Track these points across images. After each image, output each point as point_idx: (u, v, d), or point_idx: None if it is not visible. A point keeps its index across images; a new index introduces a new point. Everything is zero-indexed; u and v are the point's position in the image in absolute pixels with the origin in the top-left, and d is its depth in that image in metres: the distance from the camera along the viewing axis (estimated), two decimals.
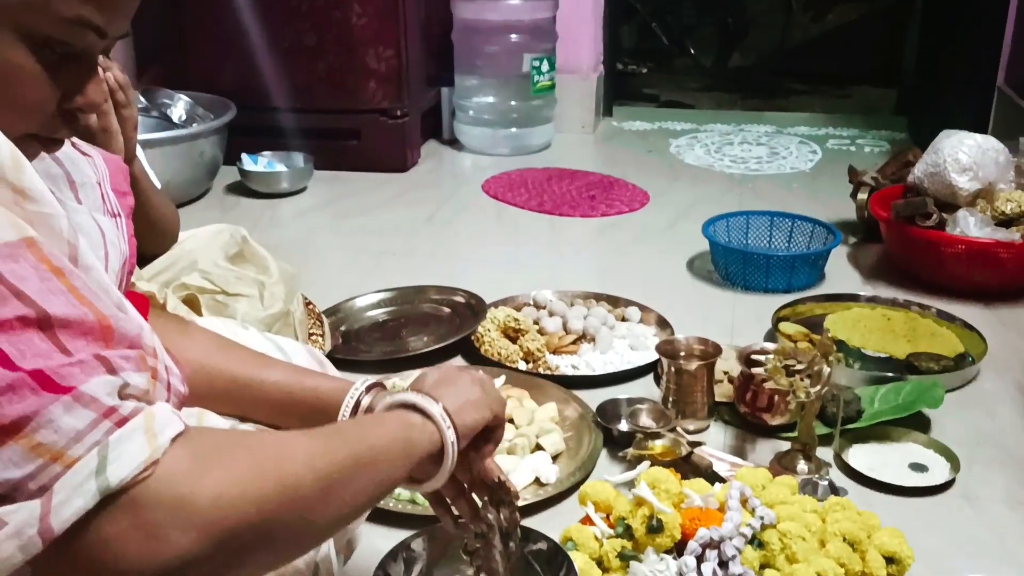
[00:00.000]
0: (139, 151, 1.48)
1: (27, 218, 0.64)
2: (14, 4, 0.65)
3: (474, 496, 1.05)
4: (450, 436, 0.86)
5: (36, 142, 0.73)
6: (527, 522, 1.23)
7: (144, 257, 1.51)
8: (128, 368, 0.63)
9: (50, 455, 0.58)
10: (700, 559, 1.11)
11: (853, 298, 2.01)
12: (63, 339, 0.60)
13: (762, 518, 1.16)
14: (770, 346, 1.55)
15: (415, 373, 1.66)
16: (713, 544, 1.12)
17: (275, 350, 1.12)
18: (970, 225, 2.02)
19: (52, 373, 0.59)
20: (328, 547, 0.94)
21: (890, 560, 1.16)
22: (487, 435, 0.96)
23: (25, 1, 0.65)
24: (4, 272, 0.59)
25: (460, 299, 1.98)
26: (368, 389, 1.02)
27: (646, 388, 1.68)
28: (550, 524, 1.23)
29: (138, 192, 1.40)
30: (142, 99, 2.68)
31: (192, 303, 1.48)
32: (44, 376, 0.59)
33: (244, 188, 2.74)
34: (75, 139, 0.88)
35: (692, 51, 4.99)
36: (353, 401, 1.00)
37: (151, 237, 1.49)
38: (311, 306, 1.75)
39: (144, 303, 1.02)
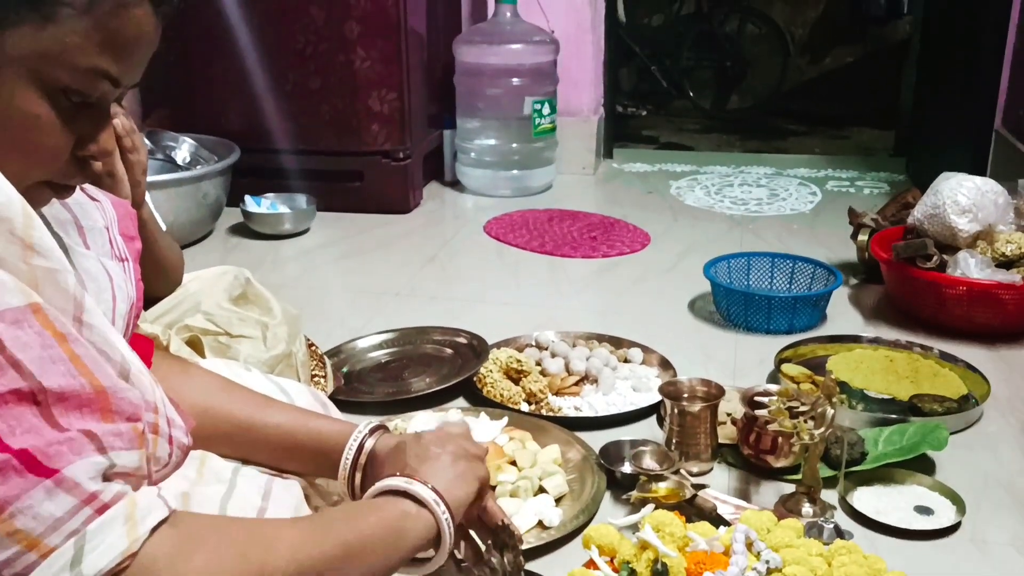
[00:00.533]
0: (146, 195, 1.49)
1: (34, 274, 0.64)
2: (32, 54, 0.66)
3: (477, 539, 1.04)
4: (445, 518, 0.87)
5: (49, 189, 0.74)
6: (530, 566, 1.22)
7: (148, 299, 1.51)
8: (119, 446, 0.62)
9: (27, 542, 0.58)
10: None
11: (855, 339, 2.00)
12: (56, 413, 0.60)
13: (768, 562, 1.15)
14: (773, 388, 1.55)
15: (418, 415, 1.66)
16: None
17: (278, 392, 1.12)
18: (971, 266, 2.03)
19: (39, 453, 0.59)
20: None
21: None
22: (479, 494, 0.97)
23: (43, 51, 0.66)
24: (6, 340, 0.59)
25: (462, 340, 1.98)
26: (372, 432, 1.02)
27: (649, 429, 1.68)
28: (553, 567, 1.22)
29: (145, 235, 1.41)
30: (147, 141, 2.69)
31: (195, 345, 1.48)
32: (30, 457, 0.58)
33: (247, 229, 2.75)
34: (84, 184, 0.88)
35: (691, 93, 5.05)
36: (356, 444, 1.00)
37: (156, 279, 1.49)
38: (313, 347, 1.75)
39: (148, 346, 1.02)
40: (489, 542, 1.02)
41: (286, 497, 0.97)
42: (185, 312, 1.54)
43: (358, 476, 1.00)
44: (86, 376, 0.62)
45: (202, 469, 0.93)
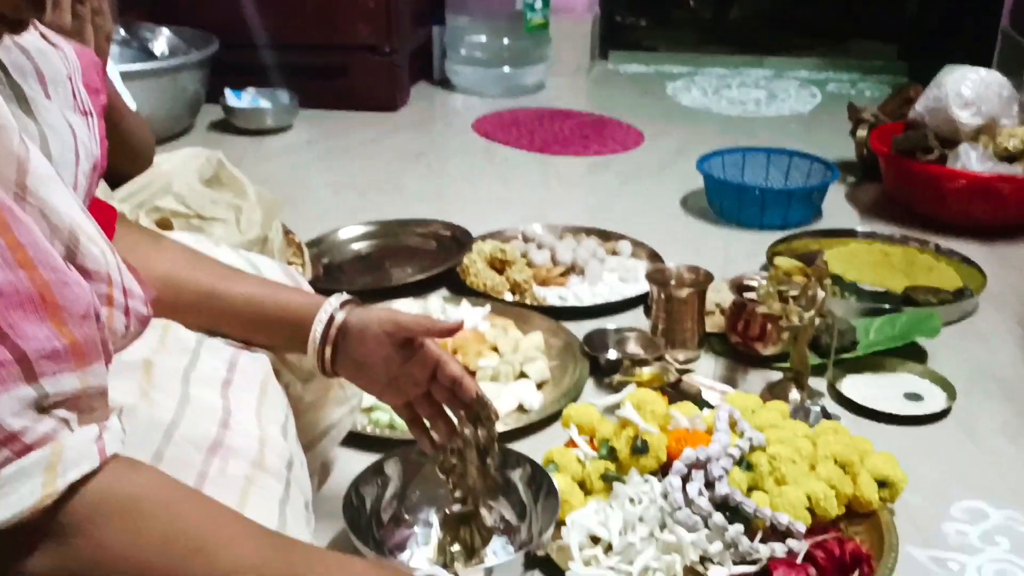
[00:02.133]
0: (114, 72, 1.43)
1: None
2: None
3: (450, 414, 1.02)
4: None
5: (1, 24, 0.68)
6: (510, 447, 1.19)
7: (117, 178, 1.46)
8: (50, 372, 0.54)
9: None
10: (685, 480, 1.07)
11: (850, 234, 1.96)
12: None
13: (751, 440, 1.12)
14: (763, 276, 1.51)
15: (398, 304, 1.62)
16: (699, 465, 1.08)
17: (247, 266, 1.07)
18: (972, 160, 1.97)
19: None
20: (303, 470, 0.91)
21: (882, 484, 1.13)
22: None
23: None
24: None
25: (446, 232, 1.93)
26: (343, 305, 0.98)
27: (635, 319, 1.64)
28: (533, 449, 1.19)
29: (111, 110, 1.35)
30: (123, 31, 2.60)
31: (166, 226, 1.43)
32: None
33: (228, 125, 2.68)
34: (45, 30, 0.82)
35: (691, 3, 4.90)
36: (327, 316, 0.96)
37: (124, 157, 1.43)
38: (291, 235, 1.70)
39: (111, 215, 0.97)
40: (462, 413, 0.99)
41: (253, 369, 0.93)
42: (155, 193, 1.48)
43: (328, 350, 0.96)
44: (26, 268, 0.54)
45: (165, 338, 0.89)
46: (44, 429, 0.54)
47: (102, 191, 1.41)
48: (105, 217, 0.95)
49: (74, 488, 0.55)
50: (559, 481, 1.09)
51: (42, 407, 0.54)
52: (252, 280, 1.00)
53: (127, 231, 0.96)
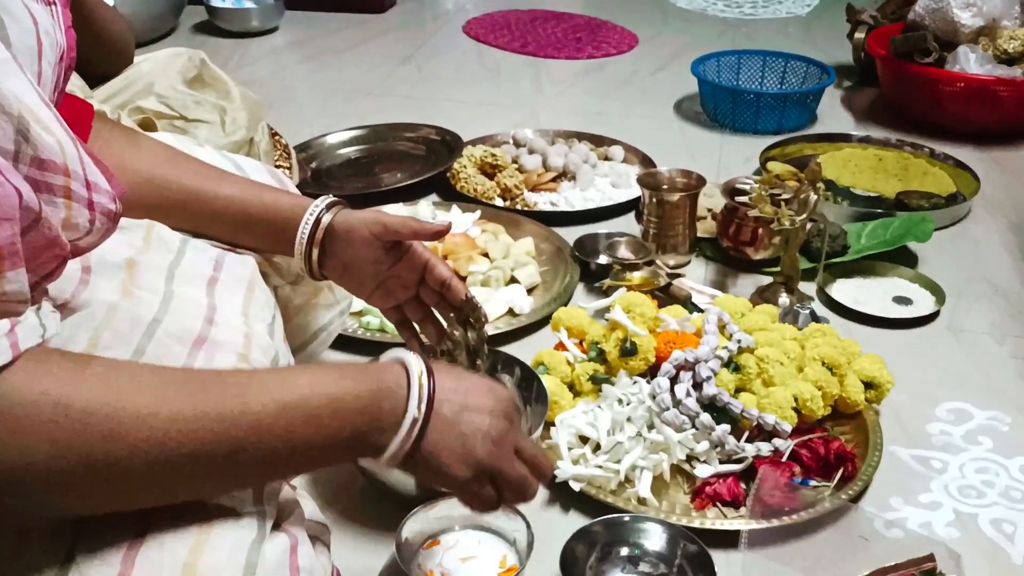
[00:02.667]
0: None
1: None
2: None
3: (440, 317, 1.01)
4: (398, 441, 0.67)
5: None
6: (500, 350, 1.20)
7: (95, 77, 1.42)
8: None
9: None
10: (674, 381, 1.08)
11: (845, 138, 1.94)
12: None
13: (739, 342, 1.13)
14: (756, 179, 1.49)
15: (388, 208, 1.60)
16: (688, 366, 1.09)
17: (231, 167, 1.05)
18: (970, 62, 1.94)
19: None
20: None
21: (869, 385, 1.14)
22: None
23: None
24: None
25: (436, 136, 1.90)
26: (329, 207, 0.96)
27: (627, 225, 1.63)
28: (523, 353, 1.19)
29: (82, 2, 1.31)
30: None
31: (148, 127, 1.40)
32: None
33: (212, 27, 2.61)
34: None
35: None
36: (313, 218, 0.95)
37: (101, 54, 1.40)
38: (277, 137, 1.68)
39: (87, 111, 0.95)
40: (452, 316, 0.99)
41: (240, 269, 0.92)
42: (137, 93, 1.45)
43: (315, 252, 0.95)
44: None
45: (149, 238, 0.88)
46: None
47: (81, 91, 1.37)
48: (80, 115, 0.92)
49: None
50: (548, 383, 1.10)
51: None
52: (237, 181, 0.98)
53: (104, 129, 0.93)
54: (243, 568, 0.59)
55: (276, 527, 0.65)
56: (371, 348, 1.25)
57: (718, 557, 0.91)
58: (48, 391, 0.54)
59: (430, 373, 0.69)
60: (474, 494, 0.72)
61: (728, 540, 0.96)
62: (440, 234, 0.97)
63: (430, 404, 0.68)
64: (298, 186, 1.59)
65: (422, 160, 1.84)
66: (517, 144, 1.89)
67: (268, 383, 0.63)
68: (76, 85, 1.38)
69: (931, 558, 0.77)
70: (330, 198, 0.97)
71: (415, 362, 0.69)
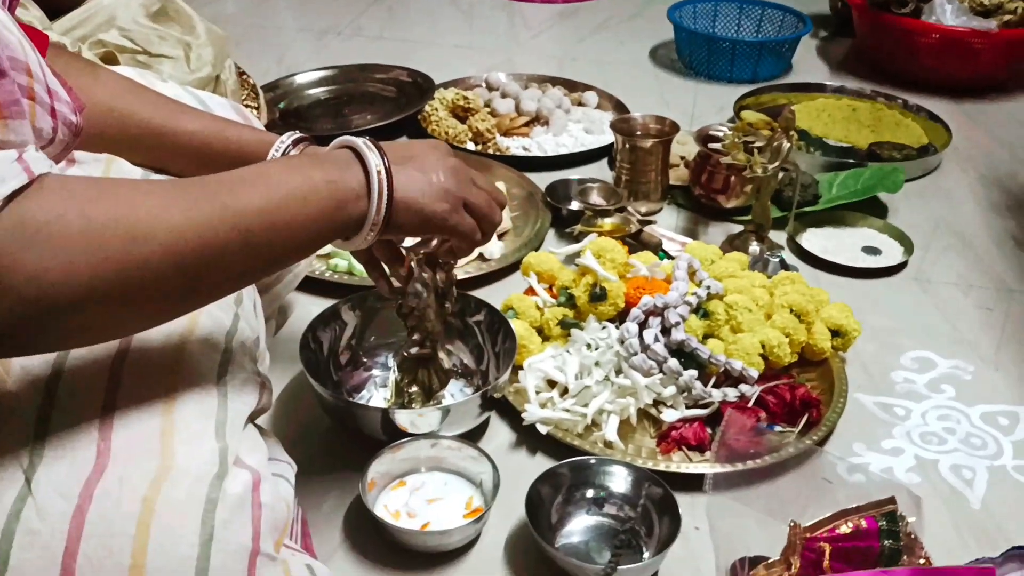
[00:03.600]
0: None
1: None
2: None
3: (411, 258, 1.00)
4: (373, 211, 0.72)
5: None
6: (468, 294, 1.19)
7: (54, 8, 1.38)
8: None
9: None
10: (642, 326, 1.08)
11: (819, 88, 1.93)
12: None
13: (709, 288, 1.13)
14: (729, 127, 1.48)
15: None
16: (657, 311, 1.09)
17: (194, 102, 1.03)
18: (946, 14, 1.93)
19: None
20: (254, 309, 0.89)
21: (836, 333, 1.15)
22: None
23: None
24: None
25: (407, 78, 1.87)
26: (296, 143, 0.94)
27: (599, 171, 1.62)
28: (492, 297, 1.18)
29: None
30: None
31: (110, 62, 1.36)
32: None
33: None
34: None
35: None
36: (279, 155, 0.93)
37: None
38: (245, 76, 1.64)
39: (41, 39, 0.92)
40: (421, 258, 0.98)
41: None
42: (98, 27, 1.41)
43: None
44: None
45: (108, 171, 0.86)
46: None
47: (39, 22, 1.33)
48: (36, 46, 0.89)
49: (14, 213, 0.52)
50: (517, 327, 1.09)
51: None
52: (200, 116, 0.95)
53: (61, 59, 0.90)
54: (203, 503, 0.59)
55: (238, 463, 0.64)
56: (340, 291, 1.24)
57: (683, 500, 0.92)
58: (68, 207, 0.55)
59: (374, 141, 0.73)
60: (458, 226, 0.78)
61: (693, 484, 0.96)
62: None
63: (386, 161, 0.71)
64: (266, 127, 1.57)
65: (393, 102, 1.81)
66: (490, 88, 1.86)
67: (256, 180, 0.66)
68: (34, 16, 1.34)
69: (892, 501, 0.78)
70: (296, 134, 0.94)
71: (359, 140, 0.73)
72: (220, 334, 0.73)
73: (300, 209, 0.66)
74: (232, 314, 0.79)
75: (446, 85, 1.84)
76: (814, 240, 1.43)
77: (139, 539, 0.56)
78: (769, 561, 0.78)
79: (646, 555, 0.89)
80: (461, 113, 1.72)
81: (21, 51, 0.63)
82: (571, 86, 1.89)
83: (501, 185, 1.50)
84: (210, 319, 0.75)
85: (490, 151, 1.66)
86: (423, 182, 0.75)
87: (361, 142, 0.73)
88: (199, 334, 0.70)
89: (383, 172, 0.71)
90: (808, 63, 2.13)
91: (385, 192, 0.71)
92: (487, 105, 1.77)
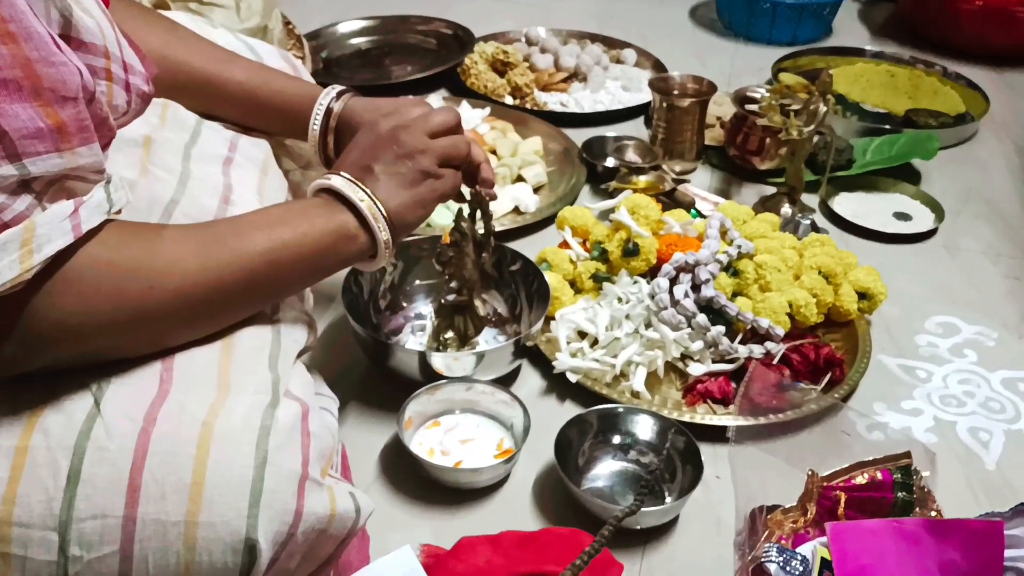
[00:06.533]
0: None
1: None
2: None
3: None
4: (385, 240, 0.78)
5: None
6: (505, 245, 1.22)
7: None
8: (34, 151, 0.54)
9: None
10: (673, 282, 1.11)
11: (858, 53, 1.93)
12: None
13: (739, 247, 1.15)
14: (767, 89, 1.49)
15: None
16: (687, 268, 1.11)
17: (245, 50, 1.05)
18: None
19: None
20: None
21: (862, 296, 1.16)
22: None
23: None
24: None
25: (447, 31, 1.89)
26: (339, 95, 0.97)
27: (636, 129, 1.64)
28: (527, 249, 1.21)
29: None
30: None
31: (162, 8, 1.39)
32: None
33: None
34: None
35: None
36: (324, 108, 0.95)
37: None
38: (291, 26, 1.66)
39: None
40: (460, 209, 1.01)
41: (254, 151, 0.94)
42: None
43: (331, 139, 0.96)
44: (7, 43, 0.52)
45: (165, 115, 0.89)
46: (20, 208, 0.55)
47: None
48: None
49: (54, 263, 0.57)
50: (551, 279, 1.12)
51: (24, 185, 0.55)
52: (249, 65, 0.98)
53: (119, 6, 0.93)
54: (257, 431, 0.62)
55: (288, 395, 0.68)
56: None
57: (705, 450, 0.95)
58: (98, 256, 0.60)
59: (353, 177, 0.78)
60: (447, 190, 0.84)
61: (716, 435, 1.00)
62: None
63: (362, 186, 0.77)
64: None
65: (433, 54, 1.83)
66: (529, 42, 1.88)
67: (272, 222, 0.72)
68: None
69: (908, 455, 0.80)
70: (338, 87, 0.97)
71: (334, 181, 0.77)
72: None
73: (303, 251, 0.72)
74: None
75: (486, 39, 1.85)
76: (846, 204, 1.44)
77: (199, 459, 0.60)
78: (787, 507, 0.82)
79: (668, 500, 0.92)
80: (500, 67, 1.74)
81: (99, 34, 0.66)
82: (610, 43, 1.89)
83: (537, 143, 1.52)
84: None
85: (528, 106, 1.67)
86: (397, 182, 0.80)
87: (340, 182, 0.77)
88: None
89: (369, 202, 0.77)
90: (848, 27, 2.11)
91: (381, 217, 0.77)
92: (526, 60, 1.79)
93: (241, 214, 0.74)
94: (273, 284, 0.71)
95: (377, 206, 0.77)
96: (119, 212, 0.63)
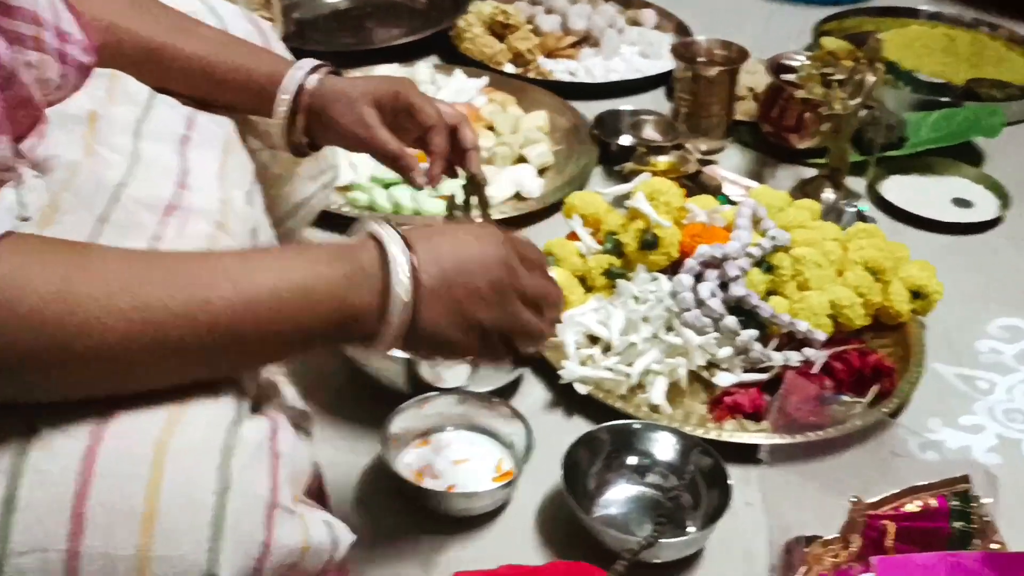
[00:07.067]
0: None
1: None
2: None
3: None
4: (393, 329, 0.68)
5: None
6: None
7: None
8: None
9: None
10: (698, 279, 1.11)
11: (912, 13, 1.94)
12: None
13: (774, 239, 1.15)
14: (807, 56, 1.49)
15: (379, 69, 1.60)
16: (714, 263, 1.12)
17: (208, 14, 1.05)
18: None
19: None
20: (271, 243, 0.93)
21: (915, 295, 1.17)
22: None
23: None
24: None
25: None
26: (314, 70, 0.97)
27: (655, 102, 1.64)
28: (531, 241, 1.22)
29: None
30: None
31: None
32: None
33: None
34: None
35: None
36: (295, 86, 0.95)
37: None
38: None
39: None
40: (451, 197, 1.01)
41: (214, 129, 0.94)
42: None
43: (300, 121, 0.97)
44: None
45: (113, 89, 0.89)
46: None
47: None
48: None
49: None
50: (557, 275, 1.13)
51: None
52: (209, 35, 0.98)
53: None
54: (220, 450, 0.62)
55: (255, 410, 0.68)
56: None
57: (734, 472, 0.95)
58: (15, 278, 0.57)
59: (409, 244, 0.68)
60: (485, 356, 0.75)
61: (746, 455, 1.00)
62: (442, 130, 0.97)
63: (416, 279, 0.68)
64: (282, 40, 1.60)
65: (421, 15, 1.84)
66: (533, 2, 1.88)
67: (232, 271, 0.64)
68: None
69: (966, 479, 0.81)
70: (313, 61, 0.97)
71: (390, 234, 0.68)
72: None
73: (285, 323, 0.65)
74: (249, 247, 0.83)
75: None
76: (897, 189, 1.45)
77: (152, 483, 0.60)
78: (827, 539, 0.82)
79: (691, 530, 0.93)
80: (499, 30, 1.74)
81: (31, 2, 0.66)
82: (626, 2, 1.90)
83: (541, 118, 1.52)
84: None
85: (531, 75, 1.68)
86: (453, 311, 0.70)
87: (396, 245, 0.68)
88: None
89: (409, 304, 0.67)
90: None
91: (408, 320, 0.68)
92: (529, 22, 1.79)
93: (214, 252, 0.69)
94: (250, 341, 0.65)
95: (414, 308, 0.68)
96: (27, 220, 0.62)
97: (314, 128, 0.97)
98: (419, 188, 0.98)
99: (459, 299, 0.70)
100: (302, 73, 0.95)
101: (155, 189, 0.79)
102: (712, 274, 1.11)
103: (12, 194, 0.60)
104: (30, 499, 0.58)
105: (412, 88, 0.99)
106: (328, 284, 0.67)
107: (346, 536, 0.69)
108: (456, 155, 1.00)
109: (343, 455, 1.01)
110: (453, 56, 1.71)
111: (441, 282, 0.69)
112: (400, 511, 0.95)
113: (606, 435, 0.99)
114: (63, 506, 0.59)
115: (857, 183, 1.45)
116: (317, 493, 0.91)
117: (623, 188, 1.27)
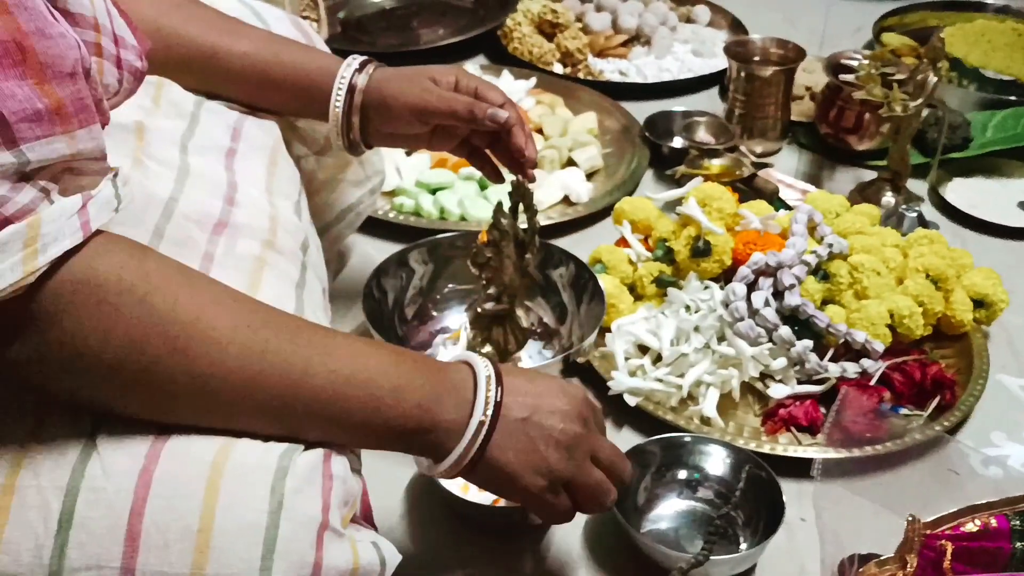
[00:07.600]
0: None
1: None
2: None
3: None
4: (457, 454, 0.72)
5: None
6: (552, 243, 1.23)
7: None
8: (32, 137, 0.55)
9: None
10: (751, 288, 1.11)
11: (978, 7, 1.91)
12: None
13: (831, 246, 1.15)
14: (866, 55, 1.49)
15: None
16: (768, 271, 1.12)
17: (251, 15, 1.08)
18: None
19: None
20: (319, 255, 0.95)
21: (979, 303, 1.16)
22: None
23: None
24: None
25: None
26: (362, 67, 0.99)
27: (709, 102, 1.64)
28: (579, 248, 1.23)
29: None
30: None
31: None
32: None
33: None
34: None
35: None
36: (346, 83, 0.98)
37: None
38: None
39: None
40: (499, 202, 1.03)
41: (261, 137, 0.96)
42: None
43: (356, 120, 0.99)
44: (1, 12, 0.54)
45: (159, 98, 0.92)
46: (24, 200, 0.55)
47: None
48: None
49: (55, 266, 0.57)
50: (606, 283, 1.14)
51: (23, 175, 0.56)
52: (256, 35, 1.01)
53: None
54: (273, 472, 0.64)
55: None
56: (405, 233, 1.29)
57: (788, 487, 0.96)
58: (124, 279, 0.60)
59: (498, 376, 0.73)
60: (546, 505, 0.76)
61: (801, 469, 1.00)
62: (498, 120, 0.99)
63: (497, 407, 0.72)
64: (326, 42, 1.62)
65: (469, 14, 1.86)
66: None
67: (335, 352, 0.68)
68: None
69: None
70: (360, 58, 1.00)
71: (482, 363, 0.74)
72: (290, 288, 0.79)
73: (372, 414, 0.69)
74: (299, 264, 0.85)
75: None
76: (961, 192, 1.44)
77: (207, 503, 0.62)
78: (882, 558, 0.82)
79: (743, 546, 0.93)
80: (548, 29, 1.76)
81: (89, 5, 0.68)
82: None
83: (591, 119, 1.53)
84: (277, 273, 0.81)
85: (580, 75, 1.69)
86: (526, 448, 0.74)
87: (484, 373, 0.73)
88: (268, 293, 0.76)
89: (485, 426, 0.71)
90: None
91: (479, 444, 0.72)
92: (579, 20, 1.81)
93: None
94: (315, 422, 0.67)
95: (488, 434, 0.72)
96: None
97: (371, 120, 1.00)
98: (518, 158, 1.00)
99: (534, 438, 0.74)
100: (352, 69, 0.98)
101: (204, 205, 0.82)
102: (766, 283, 1.11)
103: (110, 188, 0.62)
104: (85, 516, 0.61)
105: (470, 74, 1.03)
106: (421, 390, 0.71)
107: (393, 556, 0.71)
108: (507, 157, 1.02)
109: (388, 467, 1.01)
110: (501, 56, 1.73)
111: (521, 417, 0.74)
112: (446, 525, 0.97)
113: (656, 448, 1.00)
114: (118, 524, 0.61)
115: (919, 186, 1.45)
116: (363, 508, 0.94)
117: (674, 193, 1.28)
